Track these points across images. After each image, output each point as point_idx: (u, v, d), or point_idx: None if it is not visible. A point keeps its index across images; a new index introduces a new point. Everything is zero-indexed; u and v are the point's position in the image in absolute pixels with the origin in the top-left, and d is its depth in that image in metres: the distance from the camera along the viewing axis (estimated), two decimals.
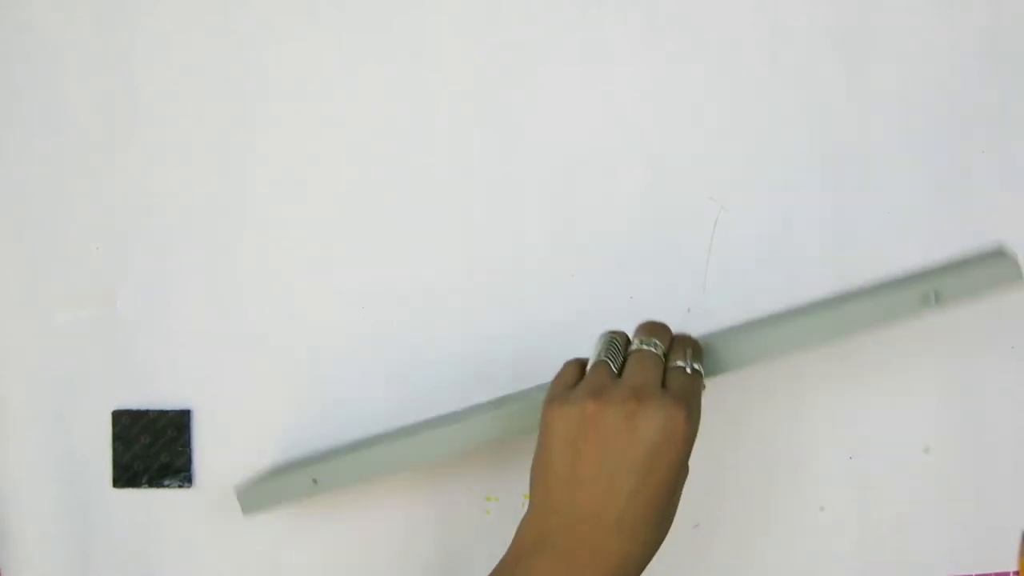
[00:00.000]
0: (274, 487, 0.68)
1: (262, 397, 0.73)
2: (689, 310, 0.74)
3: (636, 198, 0.74)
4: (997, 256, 0.66)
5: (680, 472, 0.56)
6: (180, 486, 0.73)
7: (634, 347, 0.59)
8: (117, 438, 0.73)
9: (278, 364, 0.73)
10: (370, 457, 0.67)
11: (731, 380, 0.73)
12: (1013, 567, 0.75)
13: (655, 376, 0.57)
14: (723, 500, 0.74)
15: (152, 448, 0.73)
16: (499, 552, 0.74)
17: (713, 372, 0.63)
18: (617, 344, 0.60)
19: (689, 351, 0.60)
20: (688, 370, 0.58)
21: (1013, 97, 0.74)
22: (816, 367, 0.74)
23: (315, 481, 0.67)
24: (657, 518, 0.56)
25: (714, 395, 0.65)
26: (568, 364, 0.62)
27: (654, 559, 0.74)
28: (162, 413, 0.73)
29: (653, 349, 0.59)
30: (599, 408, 0.55)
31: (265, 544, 0.74)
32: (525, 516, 0.58)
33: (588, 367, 0.60)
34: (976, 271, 0.64)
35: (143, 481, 0.73)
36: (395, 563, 0.74)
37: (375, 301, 0.73)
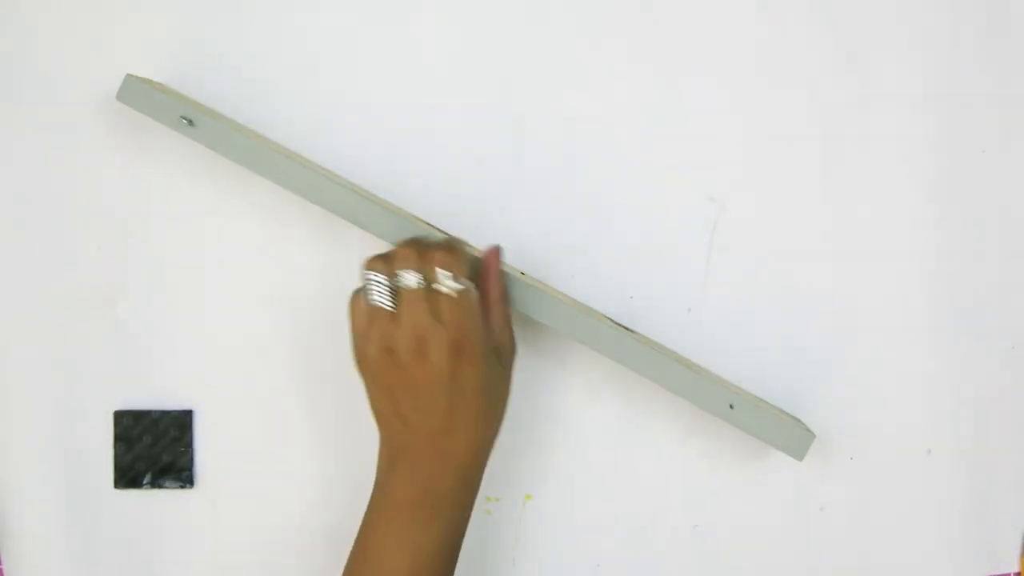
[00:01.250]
0: (158, 100, 0.67)
1: (264, 397, 0.74)
2: (689, 310, 0.74)
3: (636, 198, 0.74)
4: (798, 428, 0.70)
5: (487, 377, 0.63)
6: (181, 486, 0.73)
7: (398, 280, 0.63)
8: (119, 439, 0.73)
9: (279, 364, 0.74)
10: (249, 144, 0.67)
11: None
12: (1015, 568, 0.75)
13: (421, 312, 0.62)
14: (723, 500, 0.74)
15: (154, 449, 0.73)
16: (499, 552, 0.74)
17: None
18: (379, 278, 0.63)
19: (448, 273, 0.62)
20: (455, 293, 0.62)
21: (1013, 97, 0.74)
22: (816, 367, 0.74)
23: (190, 122, 0.66)
24: (478, 417, 0.63)
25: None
26: (354, 308, 0.65)
27: (653, 559, 0.74)
28: (164, 413, 0.73)
29: (409, 280, 0.62)
30: (389, 361, 0.63)
31: (265, 544, 0.74)
32: (379, 449, 0.66)
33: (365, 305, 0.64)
34: (775, 423, 0.69)
35: (144, 482, 0.73)
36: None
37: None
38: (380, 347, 0.63)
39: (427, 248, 0.64)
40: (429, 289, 0.62)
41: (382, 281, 0.63)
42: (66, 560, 0.73)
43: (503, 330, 0.65)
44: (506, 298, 0.66)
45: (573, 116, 0.74)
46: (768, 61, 0.74)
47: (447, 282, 0.62)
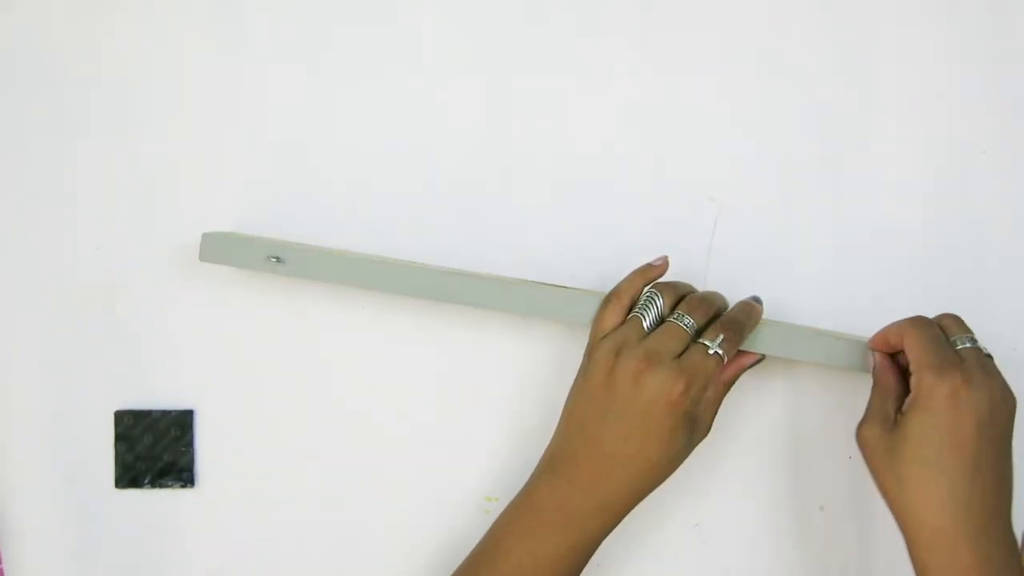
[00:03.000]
0: (238, 247, 0.69)
1: (264, 397, 0.74)
2: None
3: (636, 198, 0.74)
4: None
5: (675, 434, 0.64)
6: (183, 486, 0.74)
7: (671, 317, 0.66)
8: (120, 438, 0.73)
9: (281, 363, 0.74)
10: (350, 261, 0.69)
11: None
12: None
13: (672, 347, 0.64)
14: (723, 500, 0.74)
15: (155, 448, 0.73)
16: None
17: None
18: (656, 302, 0.66)
19: (720, 337, 0.65)
20: (710, 351, 0.65)
21: (1013, 97, 0.74)
22: (816, 367, 0.73)
23: (278, 259, 0.68)
24: (647, 464, 0.64)
25: None
26: (609, 305, 0.67)
27: (653, 559, 0.74)
28: (165, 413, 0.73)
29: (683, 325, 0.65)
30: (615, 365, 0.64)
31: (265, 544, 0.74)
32: (549, 442, 0.67)
33: (629, 315, 0.67)
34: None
35: (145, 481, 0.73)
36: (396, 562, 0.74)
37: (376, 301, 0.73)
38: (613, 345, 0.65)
39: (715, 305, 0.67)
40: (696, 342, 0.65)
41: (659, 305, 0.66)
42: (66, 560, 0.73)
43: (709, 408, 0.66)
44: (730, 386, 0.67)
45: (573, 116, 0.74)
46: (768, 61, 0.74)
47: (715, 345, 0.65)
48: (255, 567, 0.74)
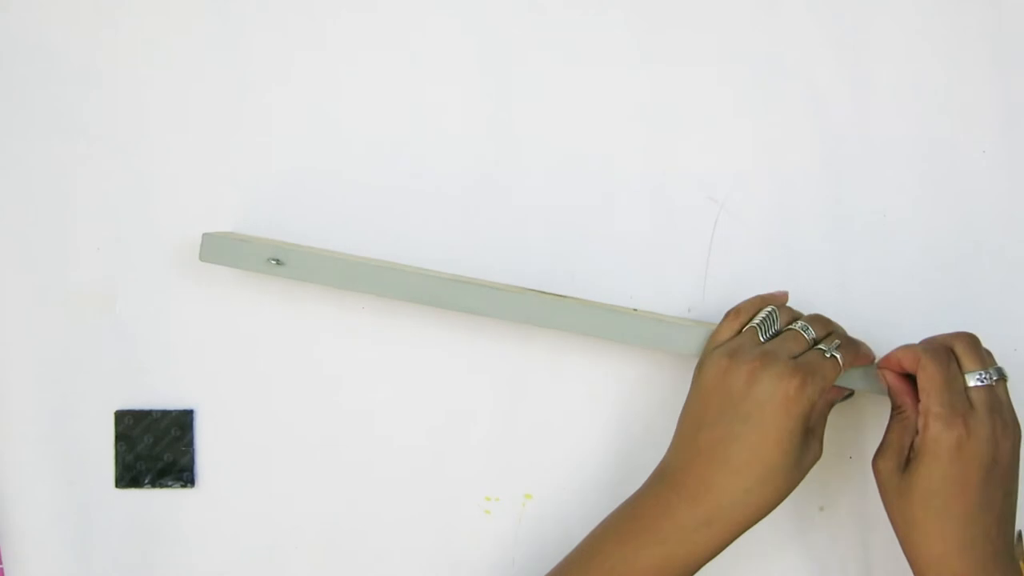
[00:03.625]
0: (238, 248, 0.69)
1: (264, 397, 0.74)
2: (689, 309, 0.74)
3: (636, 198, 0.74)
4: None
5: (792, 437, 0.62)
6: (183, 486, 0.74)
7: (792, 327, 0.66)
8: (120, 438, 0.73)
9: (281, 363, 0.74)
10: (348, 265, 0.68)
11: None
12: None
13: (789, 349, 0.64)
14: None
15: (155, 448, 0.73)
16: (499, 552, 0.74)
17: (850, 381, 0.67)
18: (775, 318, 0.66)
19: (837, 342, 0.65)
20: (827, 355, 0.64)
21: (1014, 97, 0.74)
22: None
23: (278, 262, 0.68)
24: (761, 469, 0.62)
25: None
26: (727, 319, 0.68)
27: None
28: (165, 413, 0.73)
29: (803, 332, 0.65)
30: (729, 366, 0.63)
31: (266, 544, 0.74)
32: (663, 457, 0.66)
33: (744, 328, 0.67)
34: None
35: (146, 481, 0.74)
36: (396, 562, 0.74)
37: (376, 301, 0.73)
38: (727, 351, 0.64)
39: (834, 325, 0.68)
40: (815, 349, 0.64)
41: (776, 320, 0.66)
42: (66, 560, 0.73)
43: (820, 424, 0.65)
44: (830, 408, 0.67)
45: (572, 116, 0.74)
46: (768, 61, 0.74)
47: (832, 349, 0.64)
48: (255, 567, 0.74)
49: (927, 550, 0.63)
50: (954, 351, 0.65)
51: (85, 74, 0.73)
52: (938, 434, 0.62)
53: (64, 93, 0.73)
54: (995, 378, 0.64)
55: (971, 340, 0.65)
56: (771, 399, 0.62)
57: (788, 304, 0.69)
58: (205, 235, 0.69)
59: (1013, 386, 0.64)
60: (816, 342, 0.65)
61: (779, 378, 0.62)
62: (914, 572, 0.64)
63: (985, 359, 0.65)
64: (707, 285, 0.74)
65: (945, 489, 0.62)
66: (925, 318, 0.74)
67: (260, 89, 0.73)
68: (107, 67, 0.73)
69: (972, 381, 0.63)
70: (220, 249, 0.68)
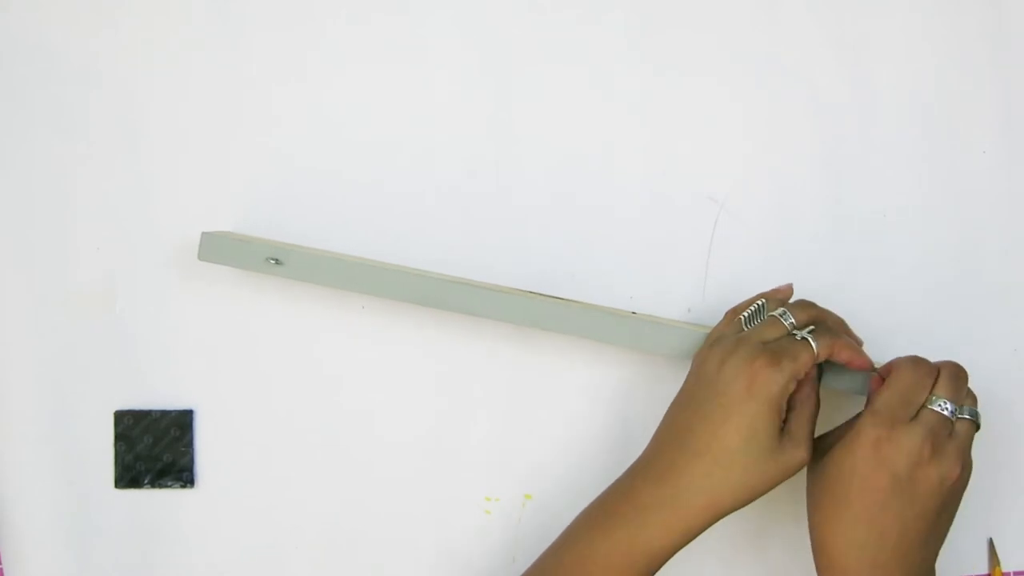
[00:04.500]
0: (237, 248, 0.69)
1: (264, 397, 0.74)
2: (689, 310, 0.74)
3: (636, 198, 0.74)
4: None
5: (755, 420, 0.62)
6: (182, 486, 0.74)
7: (771, 312, 0.66)
8: (119, 438, 0.73)
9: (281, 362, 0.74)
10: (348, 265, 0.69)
11: None
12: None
13: (763, 334, 0.64)
14: None
15: (154, 448, 0.73)
16: (499, 552, 0.74)
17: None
18: (762, 308, 0.67)
19: (811, 328, 0.65)
20: (798, 337, 0.64)
21: (1014, 97, 0.74)
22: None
23: (277, 261, 0.68)
24: (720, 450, 0.62)
25: None
26: (725, 317, 0.69)
27: None
28: (164, 413, 0.73)
29: (781, 318, 0.65)
30: (707, 354, 0.65)
31: (266, 544, 0.74)
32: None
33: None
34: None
35: (145, 481, 0.74)
36: (396, 562, 0.74)
37: (376, 301, 0.73)
38: (709, 341, 0.66)
39: (820, 310, 0.67)
40: (789, 335, 0.64)
41: (763, 308, 0.67)
42: (66, 560, 0.73)
43: (802, 423, 0.64)
44: (817, 402, 0.66)
45: (572, 116, 0.74)
46: (768, 60, 0.74)
47: (803, 332, 0.64)
48: (255, 567, 0.74)
49: (819, 533, 0.64)
50: (939, 374, 0.64)
51: (85, 74, 0.73)
52: (862, 427, 0.62)
53: (64, 93, 0.73)
54: (961, 415, 0.63)
55: (956, 371, 0.64)
56: (735, 380, 0.62)
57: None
58: (204, 234, 0.69)
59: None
60: (797, 328, 0.65)
61: (744, 360, 0.62)
62: (814, 556, 0.64)
63: (959, 393, 0.64)
64: (707, 285, 0.74)
65: (849, 480, 0.62)
66: (925, 318, 0.74)
67: (260, 89, 0.73)
68: (107, 67, 0.73)
69: (933, 404, 0.63)
70: (219, 248, 0.68)
